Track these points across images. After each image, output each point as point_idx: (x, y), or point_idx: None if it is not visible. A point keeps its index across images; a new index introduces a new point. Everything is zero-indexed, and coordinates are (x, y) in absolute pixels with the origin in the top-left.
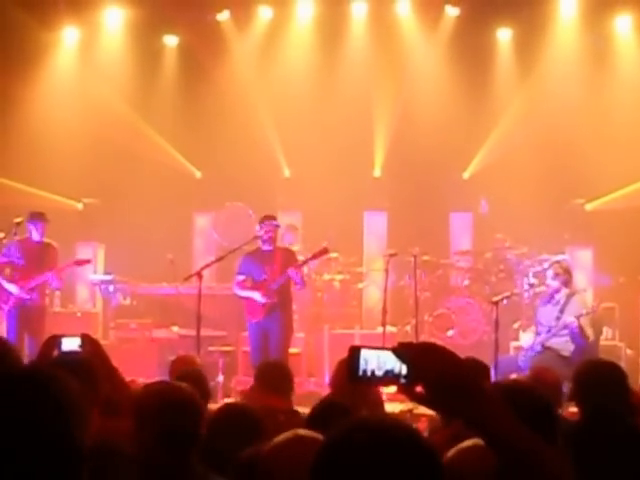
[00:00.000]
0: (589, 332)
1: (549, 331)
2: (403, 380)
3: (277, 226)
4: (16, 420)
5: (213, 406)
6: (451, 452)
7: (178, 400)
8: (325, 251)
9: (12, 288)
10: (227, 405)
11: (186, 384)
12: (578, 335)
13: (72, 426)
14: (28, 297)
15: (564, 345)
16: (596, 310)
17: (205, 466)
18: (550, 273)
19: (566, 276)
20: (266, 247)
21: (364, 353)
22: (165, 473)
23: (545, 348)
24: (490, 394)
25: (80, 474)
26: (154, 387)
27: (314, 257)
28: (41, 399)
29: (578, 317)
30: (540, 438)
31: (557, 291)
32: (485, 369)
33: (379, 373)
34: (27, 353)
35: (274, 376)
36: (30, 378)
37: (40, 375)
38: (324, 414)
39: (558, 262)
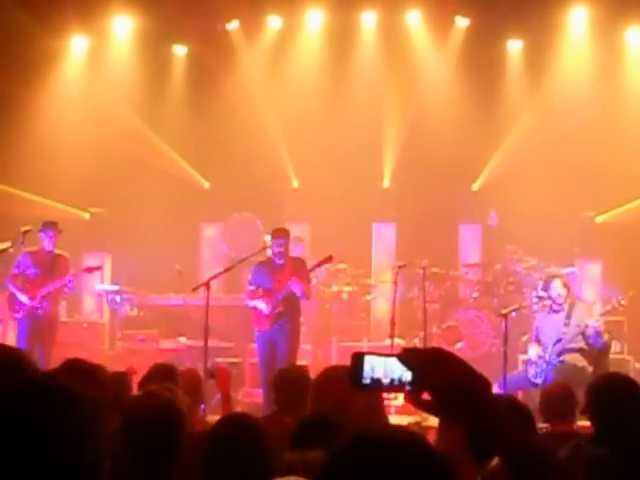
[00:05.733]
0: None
1: (559, 340)
2: (409, 387)
3: (289, 240)
4: (29, 432)
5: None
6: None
7: (158, 411)
8: (329, 259)
9: (23, 298)
10: (230, 416)
11: (173, 392)
12: (599, 334)
13: (90, 435)
14: (39, 306)
15: (577, 356)
16: (622, 305)
17: (200, 475)
18: (559, 283)
19: (568, 285)
20: (278, 260)
21: (368, 359)
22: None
23: (566, 352)
24: (496, 400)
25: None
26: (139, 397)
27: (318, 265)
28: (55, 409)
29: (602, 314)
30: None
31: (565, 302)
32: (488, 384)
33: (384, 380)
34: (37, 363)
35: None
36: (41, 388)
37: (52, 384)
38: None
39: (558, 275)
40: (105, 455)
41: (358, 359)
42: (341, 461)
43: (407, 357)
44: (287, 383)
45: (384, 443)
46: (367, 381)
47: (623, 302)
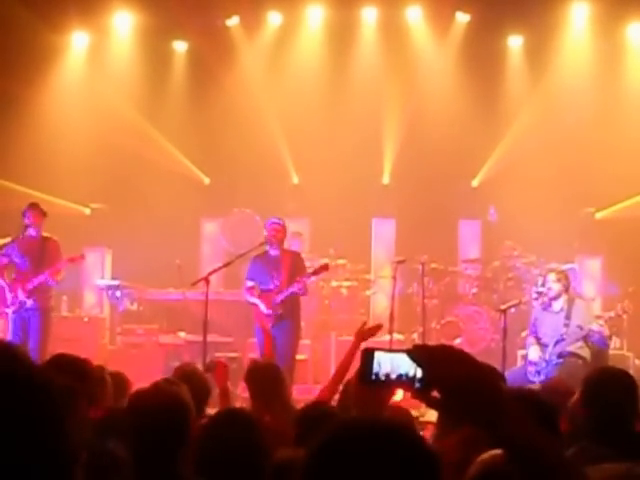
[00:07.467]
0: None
1: (560, 340)
2: (418, 384)
3: (281, 225)
4: (6, 421)
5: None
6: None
7: (167, 401)
8: (325, 268)
9: (15, 292)
10: (226, 411)
11: (178, 386)
12: (603, 340)
13: (65, 426)
14: (29, 299)
15: (582, 350)
16: (627, 312)
17: (194, 468)
18: (552, 277)
19: (566, 282)
20: (273, 251)
21: (378, 355)
22: (152, 473)
23: (566, 356)
24: (508, 398)
25: (75, 475)
26: (146, 389)
27: (314, 273)
28: (31, 399)
29: (607, 321)
30: (557, 445)
31: (556, 298)
32: (501, 377)
33: (393, 376)
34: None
35: (264, 379)
36: (19, 378)
37: (30, 375)
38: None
39: (556, 269)
40: (82, 445)
41: (368, 355)
42: (325, 449)
43: (417, 354)
44: (259, 378)
45: (367, 432)
46: (376, 377)
47: (627, 310)
